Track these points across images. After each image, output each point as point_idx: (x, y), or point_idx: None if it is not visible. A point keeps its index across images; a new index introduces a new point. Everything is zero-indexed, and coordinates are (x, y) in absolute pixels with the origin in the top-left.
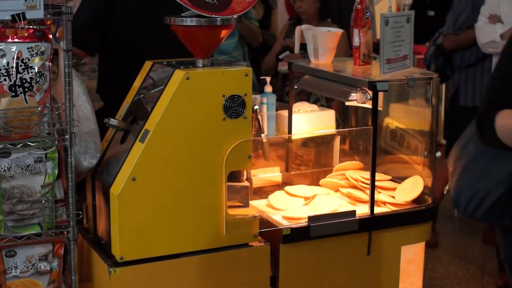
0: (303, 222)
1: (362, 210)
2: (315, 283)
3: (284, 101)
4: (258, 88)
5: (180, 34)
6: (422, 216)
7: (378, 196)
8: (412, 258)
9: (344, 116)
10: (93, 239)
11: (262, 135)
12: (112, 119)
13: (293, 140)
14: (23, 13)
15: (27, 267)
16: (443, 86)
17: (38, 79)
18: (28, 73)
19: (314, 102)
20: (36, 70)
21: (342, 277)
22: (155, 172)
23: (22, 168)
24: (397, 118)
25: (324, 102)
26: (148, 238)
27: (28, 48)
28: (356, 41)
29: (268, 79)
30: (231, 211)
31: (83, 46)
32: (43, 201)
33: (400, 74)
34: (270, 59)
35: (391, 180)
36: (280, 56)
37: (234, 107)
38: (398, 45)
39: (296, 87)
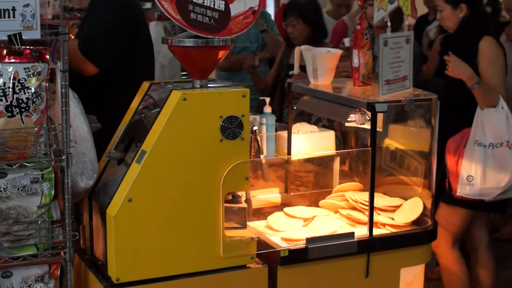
0: (301, 244)
1: (362, 232)
2: None
3: (284, 121)
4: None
5: (177, 54)
6: (422, 238)
7: (377, 217)
8: (411, 280)
9: (344, 136)
10: (90, 260)
11: (261, 156)
12: (113, 152)
13: (292, 161)
14: (20, 34)
15: None
16: None
17: (34, 99)
18: (24, 93)
19: (316, 123)
20: (33, 90)
21: None
22: (152, 193)
23: (18, 189)
24: (397, 139)
25: (326, 122)
26: (144, 259)
27: (24, 69)
28: (355, 61)
29: (267, 99)
30: (229, 233)
31: (101, 61)
32: (39, 222)
33: (399, 95)
34: (267, 80)
35: None
36: (290, 73)
37: (231, 128)
38: (397, 66)
39: (295, 108)
